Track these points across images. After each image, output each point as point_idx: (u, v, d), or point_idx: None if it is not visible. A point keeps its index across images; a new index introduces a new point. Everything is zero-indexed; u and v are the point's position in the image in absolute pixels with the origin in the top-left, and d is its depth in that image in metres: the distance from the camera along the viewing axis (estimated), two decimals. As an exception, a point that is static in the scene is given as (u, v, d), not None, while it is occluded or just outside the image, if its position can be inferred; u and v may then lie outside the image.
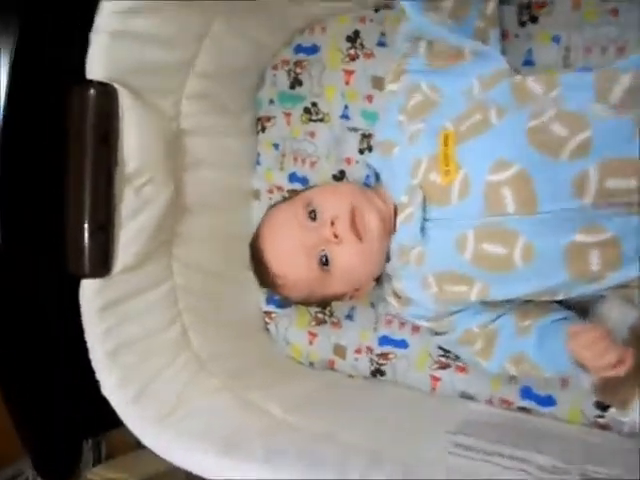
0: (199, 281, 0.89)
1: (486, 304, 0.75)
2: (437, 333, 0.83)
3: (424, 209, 0.71)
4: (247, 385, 0.81)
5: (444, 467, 0.65)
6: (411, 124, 0.77)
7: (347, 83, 0.92)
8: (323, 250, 0.77)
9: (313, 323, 0.96)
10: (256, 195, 0.99)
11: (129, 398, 0.72)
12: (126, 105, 0.74)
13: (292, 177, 0.97)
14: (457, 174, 0.68)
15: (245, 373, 0.84)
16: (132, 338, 0.77)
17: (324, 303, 0.92)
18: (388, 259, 0.80)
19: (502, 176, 0.65)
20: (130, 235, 0.76)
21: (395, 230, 0.77)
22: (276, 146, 0.98)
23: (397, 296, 0.81)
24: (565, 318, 0.72)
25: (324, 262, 0.78)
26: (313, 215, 0.79)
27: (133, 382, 0.74)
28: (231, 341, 0.90)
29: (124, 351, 0.75)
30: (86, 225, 0.71)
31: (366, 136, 0.91)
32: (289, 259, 0.80)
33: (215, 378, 0.81)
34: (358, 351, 0.93)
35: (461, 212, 0.69)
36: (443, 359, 0.87)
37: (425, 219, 0.71)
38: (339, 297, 0.86)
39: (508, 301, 0.74)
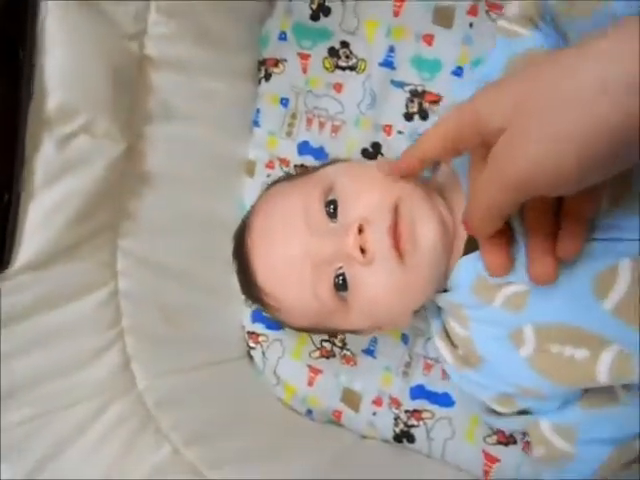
0: (154, 285, 0.60)
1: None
2: (491, 410, 0.53)
3: None
4: (216, 459, 0.53)
5: None
6: None
7: (396, 14, 0.63)
8: (341, 268, 0.49)
9: (316, 354, 0.68)
10: (250, 169, 0.70)
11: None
12: (51, 4, 0.46)
13: (303, 147, 0.68)
14: None
15: (214, 434, 0.56)
16: (38, 375, 0.49)
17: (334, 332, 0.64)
18: (445, 288, 0.52)
19: None
20: (45, 211, 0.48)
21: (466, 247, 0.49)
22: (284, 102, 0.69)
23: (454, 345, 0.53)
24: None
25: (340, 286, 0.50)
26: (332, 209, 0.50)
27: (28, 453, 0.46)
28: (196, 378, 0.61)
29: (21, 398, 0.47)
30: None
31: (418, 94, 0.62)
32: (287, 276, 0.51)
33: (167, 442, 0.53)
34: (378, 402, 0.65)
35: (630, 222, 0.40)
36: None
37: None
38: (356, 332, 0.58)
39: None
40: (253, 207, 0.59)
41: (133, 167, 0.57)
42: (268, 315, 0.61)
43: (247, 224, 0.57)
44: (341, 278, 0.49)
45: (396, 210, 0.48)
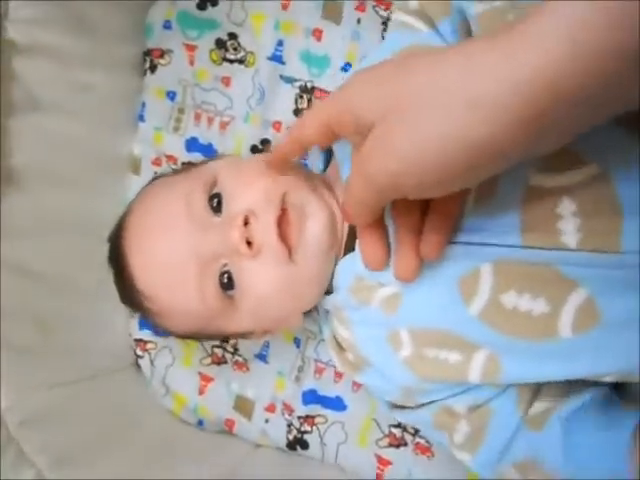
0: (24, 292, 0.55)
1: None
2: (397, 406, 0.52)
3: None
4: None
5: None
6: None
7: (285, 8, 0.61)
8: (226, 265, 0.46)
9: (207, 361, 0.65)
10: (135, 166, 0.66)
11: None
12: None
13: (191, 143, 0.64)
14: None
15: (88, 454, 0.52)
16: None
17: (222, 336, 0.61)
18: (329, 290, 0.50)
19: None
20: None
21: (346, 249, 0.48)
22: (171, 95, 0.65)
23: (341, 348, 0.51)
24: (600, 398, 0.45)
25: (226, 284, 0.47)
26: (216, 203, 0.47)
27: None
28: (72, 392, 0.56)
29: None
30: None
31: (307, 90, 0.60)
32: (169, 276, 0.48)
33: (29, 466, 0.48)
34: (270, 408, 0.63)
35: (493, 227, 0.40)
36: (397, 432, 0.59)
37: None
38: (244, 335, 0.55)
39: None
40: (129, 205, 0.55)
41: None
42: (151, 322, 0.57)
43: (122, 224, 0.53)
44: (226, 276, 0.47)
45: (283, 201, 0.46)
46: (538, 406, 0.45)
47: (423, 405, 0.48)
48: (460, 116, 0.28)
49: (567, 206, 0.37)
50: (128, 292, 0.52)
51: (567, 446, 0.42)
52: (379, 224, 0.40)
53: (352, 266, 0.46)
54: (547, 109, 0.27)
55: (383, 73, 0.33)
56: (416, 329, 0.44)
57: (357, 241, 0.43)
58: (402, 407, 0.50)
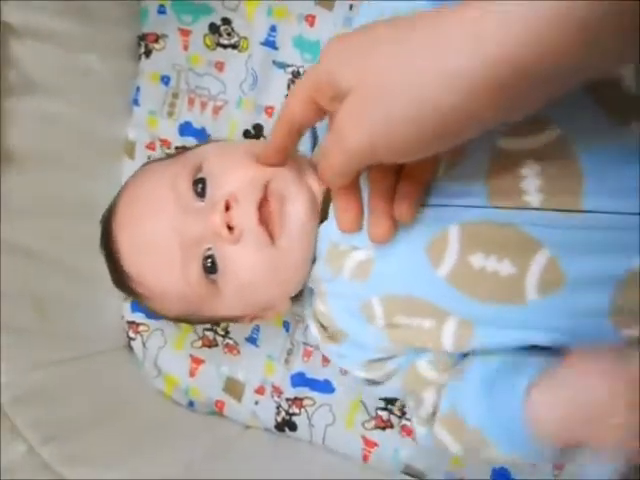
0: (21, 272, 0.56)
1: None
2: (372, 382, 0.52)
3: None
4: (77, 457, 0.50)
5: None
6: None
7: (278, -7, 0.61)
8: (209, 249, 0.47)
9: (198, 344, 0.65)
10: (129, 150, 0.67)
11: None
12: None
13: (185, 128, 0.65)
14: None
15: (79, 431, 0.53)
16: None
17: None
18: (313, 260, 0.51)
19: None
20: None
21: (321, 219, 0.48)
22: (165, 80, 0.65)
23: (322, 325, 0.52)
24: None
25: (209, 268, 0.47)
26: (201, 188, 0.48)
27: None
28: (66, 372, 0.57)
29: None
30: None
31: (300, 75, 0.61)
32: (154, 260, 0.48)
33: (21, 440, 0.49)
34: (260, 391, 0.64)
35: (461, 189, 0.40)
36: (383, 414, 0.60)
37: None
38: (233, 319, 0.56)
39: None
40: (122, 188, 0.55)
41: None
42: (143, 306, 0.57)
43: (112, 208, 0.53)
44: (210, 260, 0.47)
45: (266, 187, 0.46)
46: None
47: (389, 378, 0.49)
48: (430, 85, 0.29)
49: (531, 167, 0.38)
50: (118, 276, 0.53)
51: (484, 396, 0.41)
52: (354, 188, 0.40)
53: (326, 232, 0.47)
54: (513, 80, 0.27)
55: (356, 44, 0.33)
56: (387, 296, 0.44)
57: (331, 205, 0.43)
58: (376, 383, 0.51)
